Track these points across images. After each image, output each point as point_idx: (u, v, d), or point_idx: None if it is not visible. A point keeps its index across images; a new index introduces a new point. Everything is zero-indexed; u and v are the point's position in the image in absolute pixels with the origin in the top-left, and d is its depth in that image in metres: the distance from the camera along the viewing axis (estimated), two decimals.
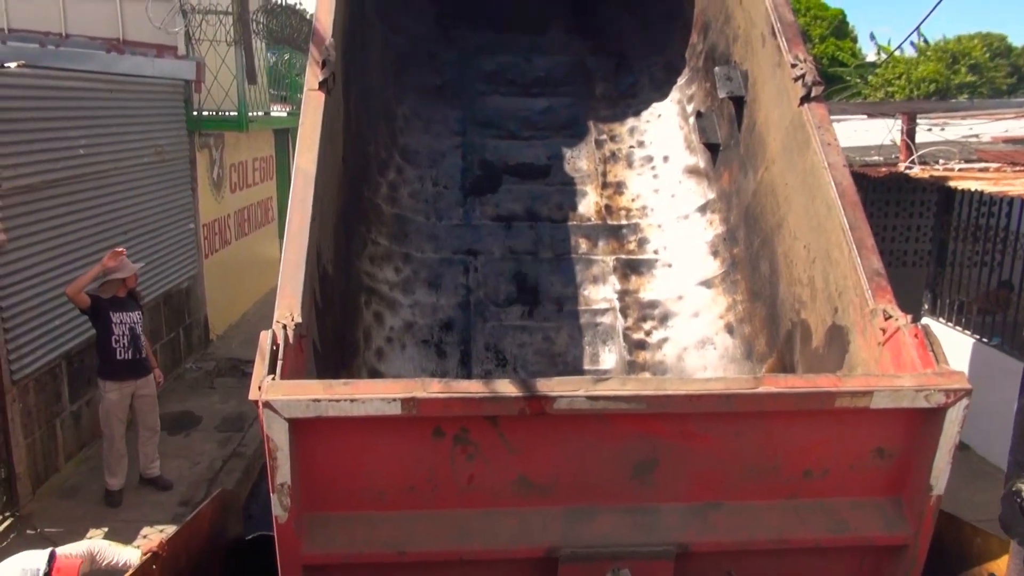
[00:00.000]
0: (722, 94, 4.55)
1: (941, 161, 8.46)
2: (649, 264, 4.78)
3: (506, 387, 2.57)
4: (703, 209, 4.80)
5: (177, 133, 8.50)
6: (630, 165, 5.16)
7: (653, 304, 4.62)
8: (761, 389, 2.64)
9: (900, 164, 8.48)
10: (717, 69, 4.64)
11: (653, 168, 5.13)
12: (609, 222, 4.92)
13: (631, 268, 4.77)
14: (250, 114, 9.48)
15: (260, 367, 2.61)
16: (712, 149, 4.84)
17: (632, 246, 4.86)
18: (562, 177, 5.08)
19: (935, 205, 8.71)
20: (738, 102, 4.51)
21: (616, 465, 2.78)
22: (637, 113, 5.35)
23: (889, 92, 25.66)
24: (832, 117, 3.88)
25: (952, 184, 7.44)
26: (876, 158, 9.33)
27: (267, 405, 2.49)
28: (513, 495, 2.78)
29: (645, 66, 5.50)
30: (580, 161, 5.15)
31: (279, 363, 2.62)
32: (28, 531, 5.35)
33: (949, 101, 21.07)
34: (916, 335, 2.95)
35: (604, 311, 4.61)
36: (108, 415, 5.72)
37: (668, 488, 2.82)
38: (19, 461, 5.60)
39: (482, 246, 4.78)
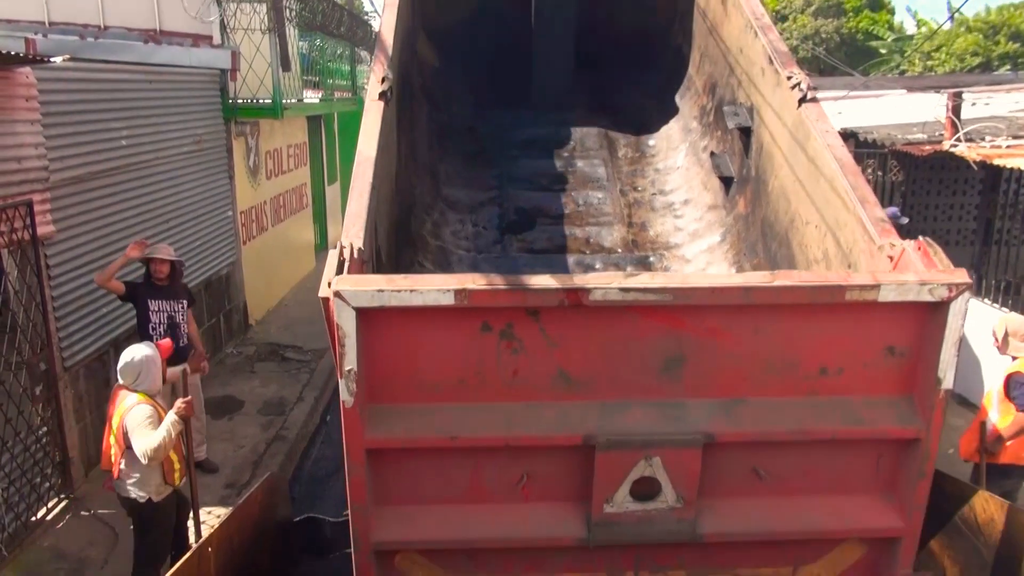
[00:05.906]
0: (731, 125, 5.09)
1: (988, 137, 8.24)
2: None
3: (546, 280, 2.87)
4: (724, 235, 5.20)
5: (214, 122, 8.60)
6: (653, 209, 5.73)
7: None
8: (776, 282, 2.89)
9: (945, 142, 8.28)
10: (725, 108, 5.21)
11: (675, 211, 5.65)
12: (636, 253, 5.40)
13: None
14: (284, 101, 9.56)
15: (329, 271, 2.89)
16: (726, 182, 5.29)
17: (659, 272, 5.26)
18: (591, 219, 5.69)
19: (980, 183, 8.51)
20: (746, 133, 5.02)
21: (646, 361, 3.02)
22: (657, 168, 6.04)
23: (929, 67, 24.99)
24: (872, 92, 4.14)
25: (999, 162, 7.26)
26: (919, 135, 9.10)
27: (337, 295, 2.77)
28: (553, 388, 3.04)
29: (663, 131, 6.25)
30: (607, 206, 5.76)
31: (346, 267, 2.92)
32: (82, 512, 5.52)
33: (992, 74, 20.45)
34: (920, 247, 3.16)
35: None
36: None
37: (695, 383, 3.06)
38: (72, 445, 5.77)
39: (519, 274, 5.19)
